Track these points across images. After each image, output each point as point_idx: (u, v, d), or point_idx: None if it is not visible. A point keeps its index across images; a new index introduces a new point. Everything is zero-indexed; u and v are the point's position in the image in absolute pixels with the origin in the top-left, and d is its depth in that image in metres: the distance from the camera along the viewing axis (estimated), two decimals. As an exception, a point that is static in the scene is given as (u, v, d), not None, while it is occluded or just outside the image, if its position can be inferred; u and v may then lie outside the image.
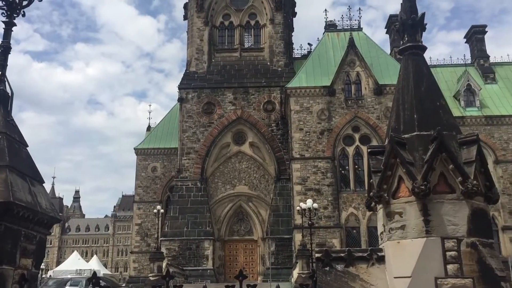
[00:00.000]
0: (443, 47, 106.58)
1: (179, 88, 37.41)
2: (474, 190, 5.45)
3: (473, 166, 5.67)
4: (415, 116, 6.25)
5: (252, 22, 39.50)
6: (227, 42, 39.22)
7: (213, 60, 38.33)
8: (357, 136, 32.85)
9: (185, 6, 40.77)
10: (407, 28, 6.91)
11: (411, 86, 6.54)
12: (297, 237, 29.81)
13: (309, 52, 39.92)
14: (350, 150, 32.56)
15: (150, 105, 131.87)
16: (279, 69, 37.73)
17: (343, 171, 32.73)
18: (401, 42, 7.06)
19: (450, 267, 5.24)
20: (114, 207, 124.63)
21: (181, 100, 37.03)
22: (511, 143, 33.14)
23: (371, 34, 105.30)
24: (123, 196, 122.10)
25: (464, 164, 5.72)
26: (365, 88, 33.47)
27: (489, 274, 5.16)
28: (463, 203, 5.50)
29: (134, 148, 42.62)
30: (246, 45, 39.29)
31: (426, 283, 5.18)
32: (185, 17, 40.84)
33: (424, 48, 6.92)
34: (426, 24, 7.01)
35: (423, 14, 6.91)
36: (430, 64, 38.93)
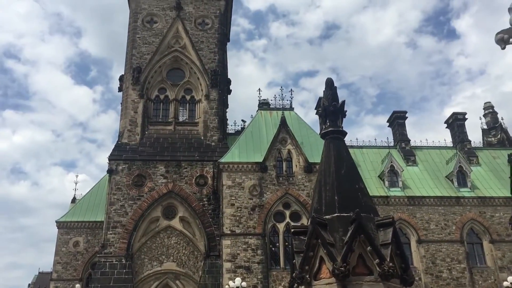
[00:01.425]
0: (370, 130, 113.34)
1: (109, 159, 36.54)
2: (390, 272, 5.62)
3: (389, 248, 5.88)
4: (336, 197, 6.48)
5: (188, 97, 40.16)
6: (161, 115, 39.36)
7: (146, 133, 38.13)
8: (287, 212, 33.19)
9: (121, 78, 40.93)
10: (329, 114, 7.34)
11: (332, 169, 6.84)
12: (226, 317, 28.68)
13: (242, 129, 40.85)
14: (281, 226, 32.70)
15: (77, 176, 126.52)
16: (213, 143, 38.11)
17: (273, 248, 32.58)
18: (323, 127, 7.47)
19: None
20: (29, 285, 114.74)
21: (110, 171, 36.03)
22: (432, 223, 34.73)
23: (304, 114, 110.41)
24: (39, 273, 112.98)
25: (381, 246, 5.93)
26: (296, 165, 34.38)
27: None
28: (380, 285, 5.63)
29: (56, 221, 40.32)
30: (181, 119, 39.61)
31: None
32: (120, 89, 40.84)
33: (344, 133, 7.34)
34: (346, 111, 7.49)
35: (343, 102, 7.40)
36: (357, 145, 41.16)
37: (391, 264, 5.68)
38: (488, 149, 42.04)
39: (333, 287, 5.69)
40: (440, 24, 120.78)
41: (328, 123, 7.33)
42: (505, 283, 26.56)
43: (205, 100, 39.56)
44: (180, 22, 41.68)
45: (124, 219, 34.43)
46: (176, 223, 35.20)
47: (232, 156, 34.88)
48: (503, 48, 7.54)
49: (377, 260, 5.71)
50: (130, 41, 41.66)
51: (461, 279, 32.89)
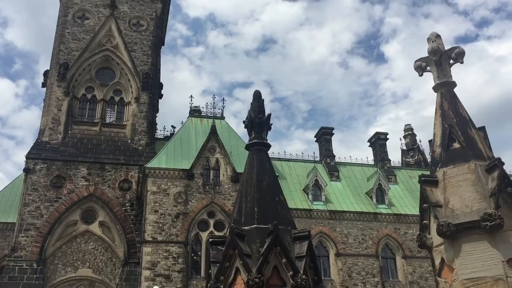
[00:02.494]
0: (299, 144, 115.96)
1: (27, 157, 34.59)
2: (302, 284, 5.75)
3: (303, 261, 6.02)
4: (255, 209, 6.55)
5: (117, 98, 39.06)
6: (87, 115, 37.93)
7: (69, 132, 36.55)
8: (212, 221, 33.05)
9: (45, 74, 39.04)
10: (255, 126, 7.43)
11: (254, 180, 6.91)
12: (141, 327, 27.94)
13: (172, 134, 40.30)
14: (204, 235, 32.46)
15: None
16: (140, 148, 37.25)
17: (195, 257, 32.26)
18: (249, 138, 7.54)
19: None
20: None
21: (27, 170, 34.11)
22: (350, 237, 36.01)
23: (236, 124, 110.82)
24: None
25: (296, 259, 6.05)
26: (223, 174, 34.39)
27: None
28: (293, 297, 5.75)
29: (-38, 222, 37.44)
30: (108, 120, 38.40)
31: None
32: (44, 85, 38.93)
33: (268, 146, 7.45)
34: (271, 124, 7.62)
35: (269, 115, 7.52)
36: (285, 158, 41.97)
37: (304, 276, 5.81)
38: (405, 169, 44.36)
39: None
40: (370, 47, 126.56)
41: (253, 135, 7.42)
42: (414, 297, 28.07)
43: (134, 103, 38.66)
44: (114, 21, 40.59)
45: (39, 221, 32.65)
46: (95, 228, 33.89)
47: (159, 161, 34.28)
48: (421, 75, 8.04)
49: (291, 272, 5.82)
50: (58, 35, 39.93)
51: (374, 292, 34.26)
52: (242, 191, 6.99)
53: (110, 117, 38.61)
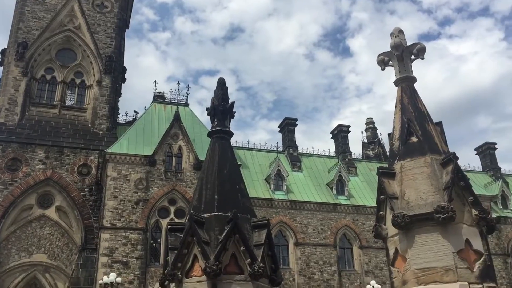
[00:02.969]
0: (263, 134, 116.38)
1: (-19, 138, 33.31)
2: (260, 272, 5.79)
3: (261, 249, 6.06)
4: (216, 197, 6.53)
5: (78, 81, 38.01)
6: (46, 97, 36.76)
7: (27, 114, 35.35)
8: (173, 209, 32.82)
9: (3, 52, 37.50)
10: (218, 113, 7.39)
11: (216, 168, 6.88)
12: (96, 313, 27.59)
13: (134, 120, 39.62)
14: (164, 222, 32.18)
15: None
16: (101, 132, 36.46)
17: (154, 244, 32.00)
18: (211, 126, 7.49)
19: None
20: None
21: (-20, 152, 32.87)
22: (310, 227, 36.53)
23: (200, 112, 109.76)
24: None
25: (254, 247, 6.09)
26: (186, 162, 34.15)
27: None
28: (250, 284, 5.78)
29: None
30: (68, 103, 37.35)
31: None
32: (1, 64, 37.44)
33: (230, 134, 7.43)
34: (235, 112, 7.59)
35: (233, 103, 7.49)
36: (248, 147, 42.04)
37: (261, 264, 5.85)
38: (366, 161, 45.25)
39: (203, 285, 5.72)
40: (336, 41, 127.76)
41: (216, 122, 7.37)
42: (368, 286, 28.85)
43: (96, 86, 37.74)
44: (77, 0, 39.33)
45: (-8, 205, 31.57)
46: (51, 212, 33.07)
47: (120, 147, 33.69)
48: (383, 69, 8.17)
49: (248, 260, 5.85)
50: (17, 13, 38.41)
51: (331, 281, 34.99)
52: (202, 178, 6.96)
53: (70, 100, 37.58)
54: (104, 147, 34.32)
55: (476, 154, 49.27)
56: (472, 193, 6.39)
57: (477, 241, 6.15)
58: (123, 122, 40.18)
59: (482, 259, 6.03)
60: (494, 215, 7.82)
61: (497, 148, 48.57)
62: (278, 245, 35.21)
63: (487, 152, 47.95)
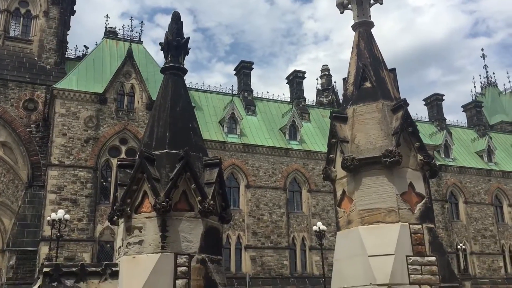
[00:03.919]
0: (219, 77, 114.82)
1: None
2: (210, 209, 5.83)
3: (212, 187, 6.07)
4: (167, 134, 6.42)
5: (23, 10, 35.67)
6: (-13, 26, 34.42)
7: (-34, 42, 33.12)
8: (124, 148, 32.36)
9: None
10: (172, 49, 7.12)
11: (168, 105, 6.72)
12: (44, 250, 27.43)
13: (84, 55, 37.97)
14: (115, 162, 31.62)
15: None
16: (48, 66, 34.79)
17: (104, 183, 31.68)
18: (165, 61, 7.24)
19: (179, 282, 5.44)
20: None
21: None
22: (261, 170, 37.14)
23: (155, 51, 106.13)
24: None
25: (205, 185, 6.09)
26: (138, 101, 33.40)
27: (212, 288, 5.54)
28: (199, 221, 5.82)
29: None
30: (12, 33, 35.18)
31: (153, 298, 5.27)
32: None
33: (184, 71, 7.22)
34: (189, 48, 7.35)
35: (188, 39, 7.22)
36: (203, 89, 41.46)
37: (212, 202, 5.89)
38: (319, 108, 45.82)
39: (152, 221, 5.71)
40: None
41: (169, 58, 7.13)
42: (314, 227, 30.08)
43: (43, 17, 35.60)
44: None
45: None
46: (-5, 148, 31.85)
47: (69, 82, 32.39)
48: (342, 13, 8.08)
49: (199, 197, 5.86)
50: None
51: (279, 223, 36.14)
52: (154, 115, 6.80)
53: (14, 31, 35.40)
54: (52, 82, 32.91)
55: (424, 105, 50.87)
56: (418, 139, 6.60)
57: (420, 185, 6.42)
58: (72, 57, 38.45)
59: (423, 201, 6.32)
60: (437, 163, 8.15)
61: (444, 100, 50.29)
62: (229, 187, 35.73)
63: (434, 103, 49.55)
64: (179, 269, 5.48)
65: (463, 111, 53.65)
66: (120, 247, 5.91)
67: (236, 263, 34.32)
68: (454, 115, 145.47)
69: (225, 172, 35.25)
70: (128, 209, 5.83)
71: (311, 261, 36.25)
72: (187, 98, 7.08)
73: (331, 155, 7.08)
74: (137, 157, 6.15)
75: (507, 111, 60.88)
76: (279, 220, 36.21)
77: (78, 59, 37.58)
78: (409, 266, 5.87)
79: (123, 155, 31.93)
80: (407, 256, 5.92)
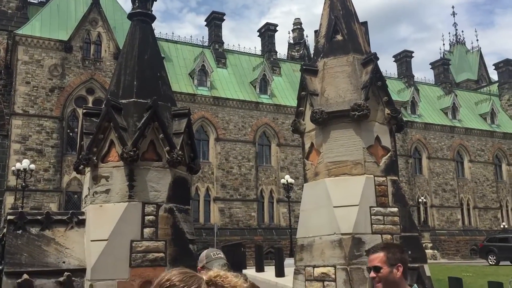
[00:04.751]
0: (190, 28, 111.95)
1: None
2: (178, 160, 5.80)
3: (181, 138, 6.02)
4: (135, 83, 6.27)
5: (-21, -51, 33.47)
6: None
7: None
8: (91, 98, 31.61)
9: None
10: (139, -7, 6.85)
11: (136, 53, 6.53)
12: (9, 199, 27.07)
13: (47, 0, 36.22)
14: (82, 112, 31.04)
15: None
16: (9, 11, 33.12)
17: (71, 134, 31.09)
18: (132, 7, 6.98)
19: (146, 230, 5.47)
20: None
21: None
22: (231, 124, 37.09)
23: (124, 0, 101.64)
24: None
25: (174, 135, 6.03)
26: (105, 50, 32.42)
27: (180, 237, 5.60)
28: (167, 171, 5.80)
29: None
30: (-32, -26, 33.13)
31: (121, 246, 5.30)
32: None
33: (152, 17, 6.99)
34: (158, -6, 7.08)
35: (156, -17, 6.96)
36: (173, 40, 40.43)
37: (180, 152, 5.85)
38: (290, 62, 45.54)
39: (120, 170, 5.66)
40: None
41: (137, 4, 6.86)
42: (283, 180, 30.59)
43: (2, -43, 33.51)
44: None
45: None
46: (-46, 95, 30.63)
47: (32, 28, 31.03)
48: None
49: (167, 147, 5.81)
50: None
51: (248, 176, 36.54)
52: (121, 63, 6.60)
53: (-29, -29, 33.31)
54: (14, 28, 31.45)
55: (394, 61, 51.22)
56: (387, 93, 6.66)
57: (386, 138, 6.53)
58: (35, 1, 36.65)
59: (389, 154, 6.45)
60: (403, 118, 8.28)
61: (413, 57, 50.73)
62: (199, 140, 35.66)
63: (404, 60, 49.93)
64: (147, 218, 5.50)
65: (431, 68, 54.35)
66: (86, 196, 5.87)
67: (204, 215, 34.78)
68: (423, 73, 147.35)
69: (195, 125, 35.07)
70: (95, 158, 5.75)
71: (279, 213, 37.06)
72: (156, 46, 6.89)
73: (301, 108, 7.10)
74: (103, 106, 6.02)
75: (473, 69, 62.06)
76: (248, 173, 36.59)
77: (42, 4, 35.88)
78: (372, 217, 6.05)
79: (90, 105, 31.20)
80: (370, 207, 6.10)
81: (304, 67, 7.16)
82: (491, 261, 27.55)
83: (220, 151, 36.12)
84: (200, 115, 35.75)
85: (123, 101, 6.09)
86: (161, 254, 5.39)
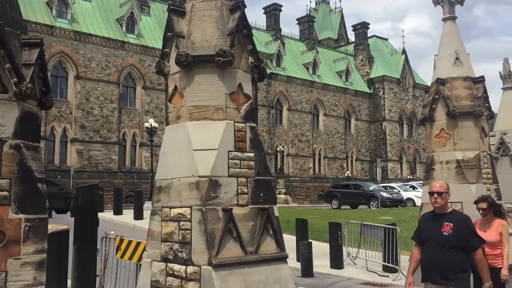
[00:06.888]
0: None
1: None
2: (27, 93, 5.32)
3: (31, 69, 5.51)
4: (-24, 3, 5.52)
5: None
6: None
7: None
8: None
9: None
10: None
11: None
12: None
13: None
14: None
15: None
16: None
17: None
18: None
19: (-12, 168, 5.02)
20: None
21: None
22: (94, 62, 34.89)
23: None
24: None
25: (23, 66, 5.50)
26: None
27: (28, 175, 5.23)
28: (14, 104, 5.30)
29: None
30: None
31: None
32: None
33: None
34: None
35: None
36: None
37: (30, 85, 5.37)
38: (160, 2, 43.72)
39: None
40: None
41: None
42: (146, 124, 30.03)
43: None
44: None
45: None
46: None
47: None
48: None
49: (15, 79, 5.28)
50: None
51: (110, 118, 35.14)
52: (-41, -22, 5.73)
53: None
54: None
55: (263, 13, 52.18)
56: (252, 42, 6.79)
57: (248, 86, 6.73)
58: None
59: (249, 102, 6.68)
60: (268, 71, 8.58)
61: (282, 11, 52.19)
62: (56, 77, 33.13)
63: (273, 12, 51.14)
64: (-11, 155, 5.02)
65: (297, 23, 56.53)
66: None
67: (60, 156, 32.90)
68: (290, 27, 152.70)
69: (52, 60, 32.38)
70: None
71: (141, 157, 36.54)
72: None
73: (166, 49, 6.94)
74: None
75: (334, 28, 66.05)
76: (110, 115, 35.16)
77: None
78: (230, 161, 6.29)
79: None
80: (229, 151, 6.32)
81: (171, 7, 6.95)
82: (334, 205, 30.68)
83: (80, 90, 33.98)
84: (58, 50, 33.01)
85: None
86: (5, 193, 5.00)
